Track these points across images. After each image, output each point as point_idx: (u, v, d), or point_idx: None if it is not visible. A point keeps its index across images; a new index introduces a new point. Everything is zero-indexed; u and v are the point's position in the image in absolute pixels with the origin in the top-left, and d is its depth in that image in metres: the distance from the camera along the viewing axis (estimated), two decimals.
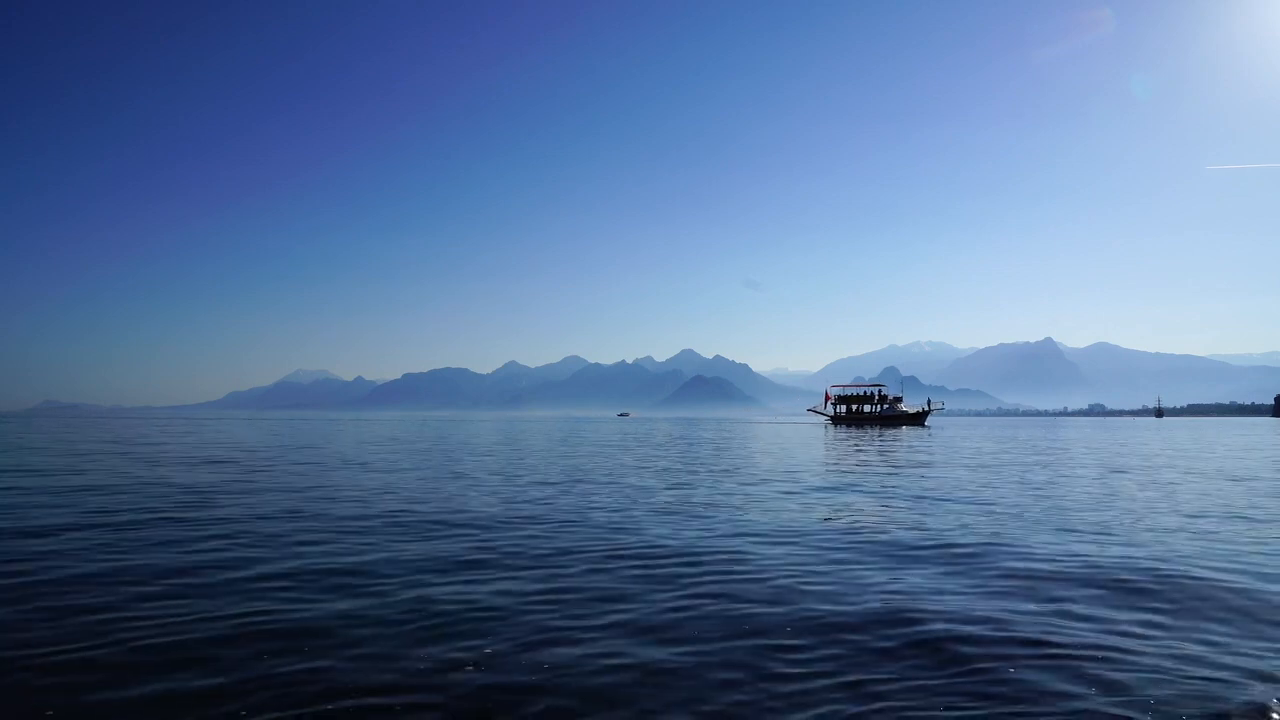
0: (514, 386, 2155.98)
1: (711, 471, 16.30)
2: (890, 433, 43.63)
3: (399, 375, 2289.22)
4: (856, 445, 28.40)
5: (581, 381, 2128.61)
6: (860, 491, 12.37)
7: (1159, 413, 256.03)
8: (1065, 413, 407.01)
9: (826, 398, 71.82)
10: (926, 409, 68.71)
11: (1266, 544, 7.54)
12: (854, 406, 70.15)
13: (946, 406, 71.55)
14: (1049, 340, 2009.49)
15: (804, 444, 29.36)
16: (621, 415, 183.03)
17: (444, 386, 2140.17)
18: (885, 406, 68.32)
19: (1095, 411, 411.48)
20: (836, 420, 69.91)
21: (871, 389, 70.52)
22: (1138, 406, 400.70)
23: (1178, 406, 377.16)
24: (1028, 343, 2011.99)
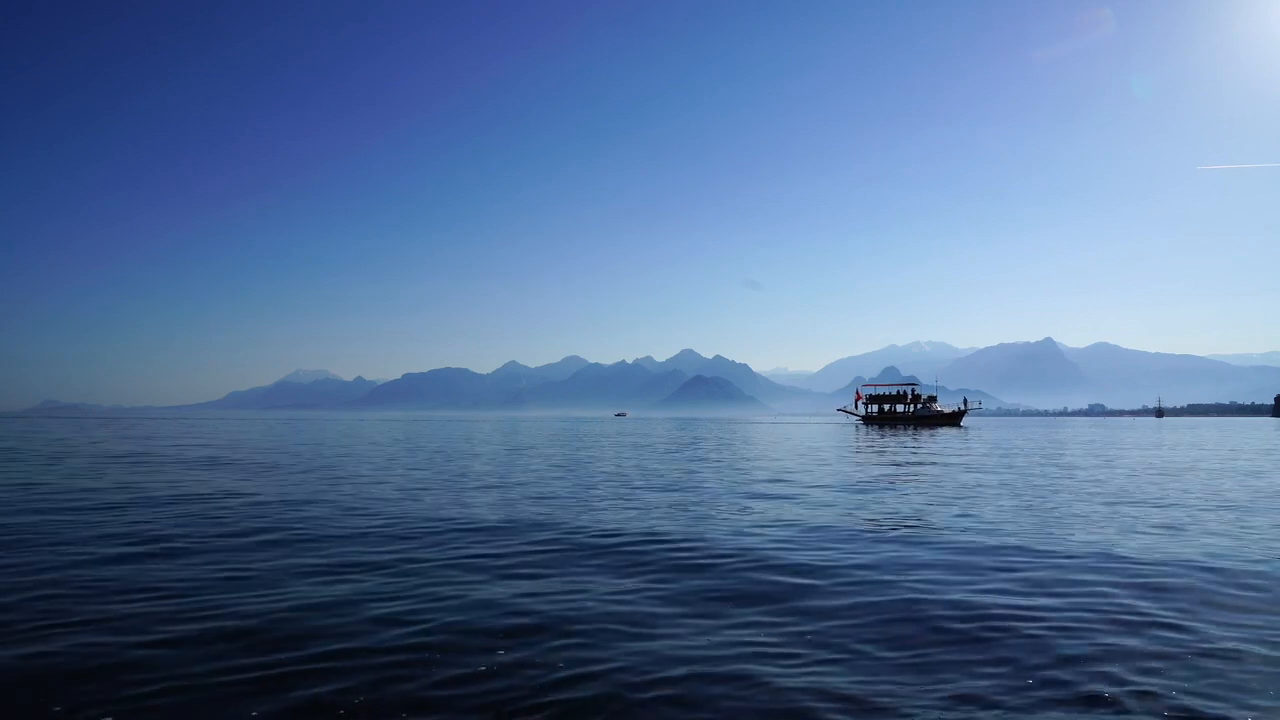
0: (514, 386, 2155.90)
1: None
2: (929, 434, 41.31)
3: (399, 375, 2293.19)
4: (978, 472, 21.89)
5: (581, 381, 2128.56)
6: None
7: (1159, 413, 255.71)
8: (1065, 413, 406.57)
9: (858, 397, 69.36)
10: (962, 409, 65.97)
11: None
12: (886, 406, 67.44)
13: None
14: (1049, 340, 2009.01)
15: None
16: (618, 415, 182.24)
17: (444, 386, 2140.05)
18: (919, 406, 65.65)
19: (1095, 411, 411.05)
20: (868, 420, 67.10)
21: (905, 388, 67.63)
22: (1138, 406, 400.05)
23: (1178, 406, 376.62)
24: (1028, 343, 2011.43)
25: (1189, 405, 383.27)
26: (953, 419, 64.83)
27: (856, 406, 69.37)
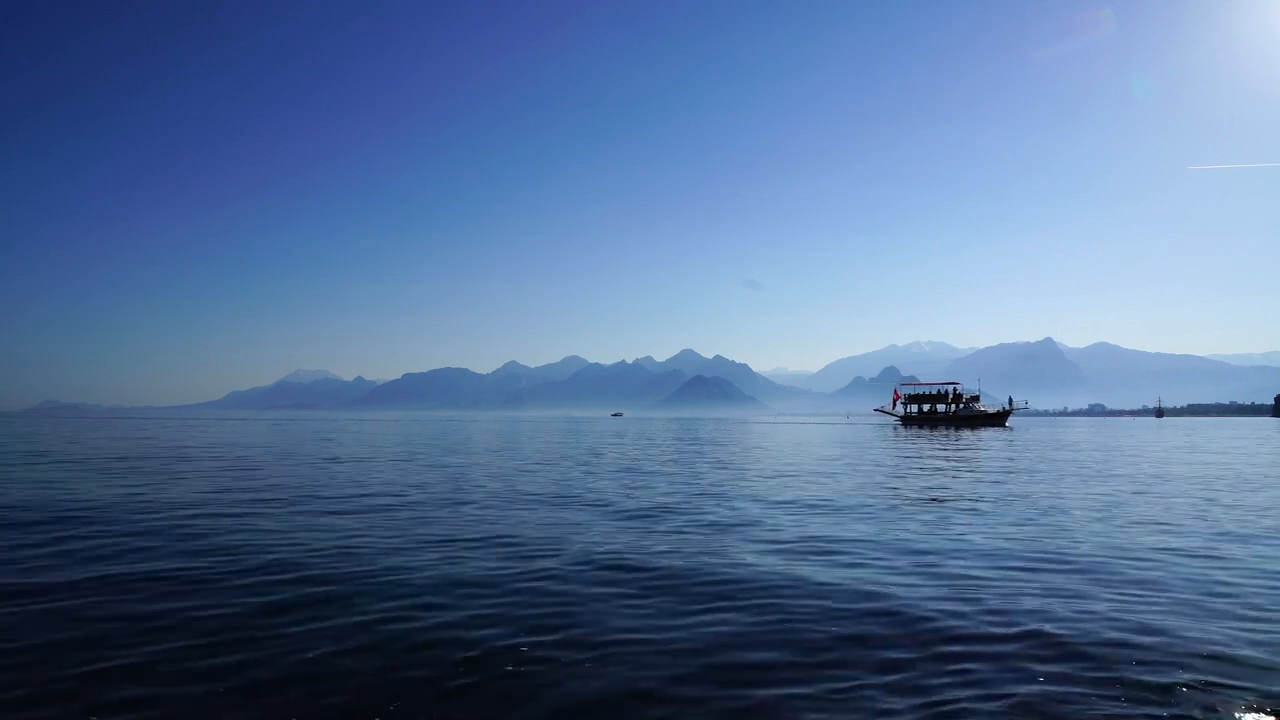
0: (514, 386, 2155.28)
1: None
2: (974, 435, 38.82)
3: (399, 375, 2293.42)
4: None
5: (581, 381, 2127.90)
6: None
7: (1159, 413, 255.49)
8: (1065, 413, 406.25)
9: (896, 397, 67.20)
10: (1008, 408, 63.24)
11: None
12: (926, 406, 64.89)
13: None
14: (1049, 340, 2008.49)
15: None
16: (615, 415, 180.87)
17: (444, 386, 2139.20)
18: (961, 406, 63.17)
19: (1095, 411, 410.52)
20: (907, 421, 64.80)
21: (945, 387, 65.00)
22: (1138, 406, 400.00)
23: (1178, 406, 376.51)
24: (1028, 343, 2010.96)
25: (1189, 405, 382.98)
26: (997, 419, 62.19)
27: (895, 406, 67.25)
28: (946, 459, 21.12)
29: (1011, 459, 21.22)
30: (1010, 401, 64.52)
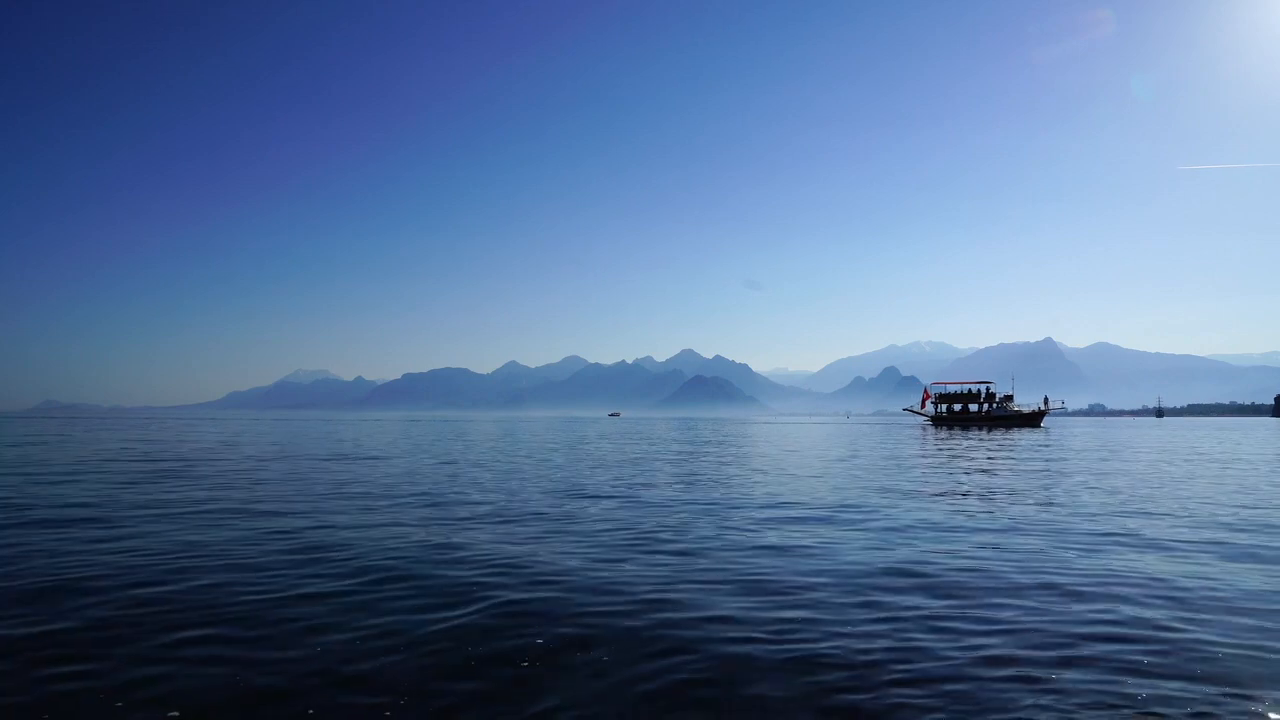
0: (514, 386, 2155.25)
1: None
2: (1010, 437, 36.91)
3: (399, 375, 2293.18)
4: None
5: (581, 381, 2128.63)
6: None
7: (1159, 413, 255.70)
8: (1065, 413, 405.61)
9: (926, 396, 66.04)
10: (1043, 409, 61.63)
11: None
12: (957, 406, 63.70)
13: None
14: (1049, 340, 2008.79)
15: None
16: (612, 415, 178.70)
17: (444, 386, 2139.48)
18: (994, 406, 61.79)
19: (1095, 411, 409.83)
20: (938, 421, 63.47)
21: (978, 387, 63.37)
22: (1138, 406, 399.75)
23: (1178, 406, 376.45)
24: (1028, 343, 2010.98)
25: (1189, 405, 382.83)
26: (1032, 420, 61.00)
27: (924, 406, 66.26)
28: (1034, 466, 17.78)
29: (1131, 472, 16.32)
30: (1046, 402, 62.87)
